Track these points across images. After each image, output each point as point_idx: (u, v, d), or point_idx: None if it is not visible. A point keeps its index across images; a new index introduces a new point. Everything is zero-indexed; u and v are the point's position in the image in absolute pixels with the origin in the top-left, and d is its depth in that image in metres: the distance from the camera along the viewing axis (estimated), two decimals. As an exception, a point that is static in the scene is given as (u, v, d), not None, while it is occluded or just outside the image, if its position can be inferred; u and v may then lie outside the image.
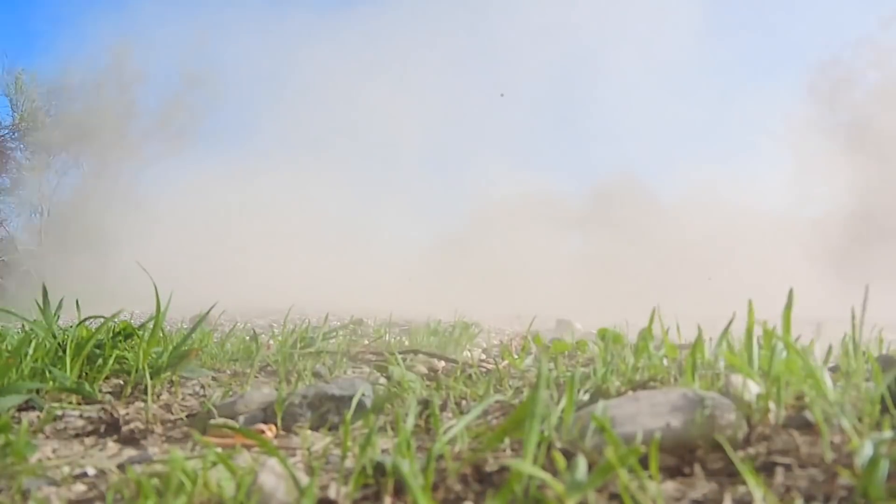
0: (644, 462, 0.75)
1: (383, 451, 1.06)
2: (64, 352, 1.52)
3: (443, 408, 1.37)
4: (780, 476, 0.75)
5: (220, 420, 1.26)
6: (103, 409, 1.28)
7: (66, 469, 0.95)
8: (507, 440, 0.92)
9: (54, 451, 1.09)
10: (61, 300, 1.84)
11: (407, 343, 2.63)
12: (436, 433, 0.87)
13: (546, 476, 0.65)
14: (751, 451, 0.81)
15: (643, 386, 1.21)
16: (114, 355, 1.60)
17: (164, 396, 1.50)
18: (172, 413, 1.34)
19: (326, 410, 1.26)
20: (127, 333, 1.70)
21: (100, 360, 1.59)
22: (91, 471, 0.95)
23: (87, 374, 1.57)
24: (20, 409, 1.35)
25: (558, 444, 0.86)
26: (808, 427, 0.87)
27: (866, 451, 0.72)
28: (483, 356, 2.36)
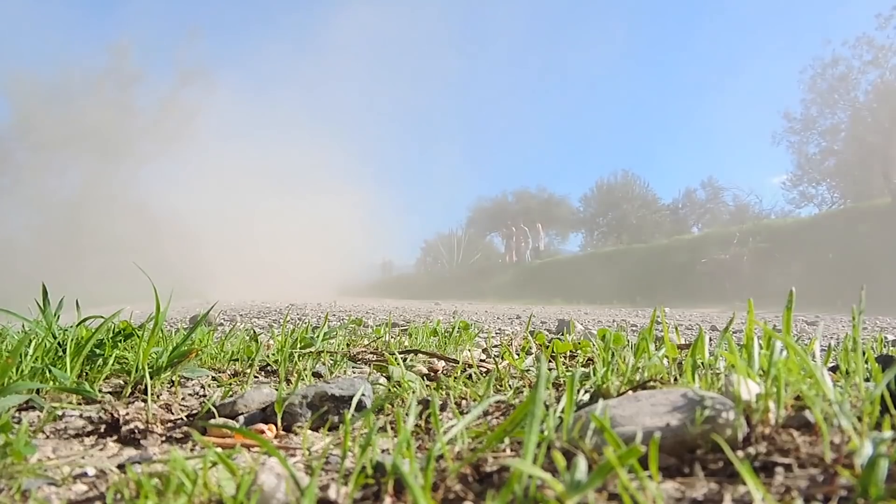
0: (644, 462, 0.75)
1: (383, 451, 1.06)
2: (64, 352, 1.52)
3: (443, 408, 1.37)
4: (779, 476, 0.75)
5: (220, 420, 1.26)
6: (103, 409, 1.28)
7: (66, 469, 0.95)
8: (507, 440, 0.93)
9: (54, 451, 1.09)
10: (61, 300, 1.84)
11: (407, 343, 2.63)
12: (436, 433, 0.87)
13: (546, 476, 0.65)
14: (751, 450, 0.81)
15: (643, 386, 1.21)
16: (114, 355, 1.60)
17: (164, 396, 1.50)
18: (172, 413, 1.34)
19: (326, 410, 1.26)
20: (127, 333, 1.70)
21: (100, 360, 1.59)
22: (91, 471, 0.95)
23: (87, 373, 1.57)
24: (20, 408, 1.35)
25: (558, 444, 0.86)
26: (808, 427, 0.87)
27: (866, 450, 0.72)
28: (483, 356, 2.36)
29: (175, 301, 1.89)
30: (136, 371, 1.53)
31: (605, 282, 22.68)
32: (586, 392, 1.20)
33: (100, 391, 1.50)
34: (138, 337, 1.67)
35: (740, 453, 0.81)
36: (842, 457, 0.76)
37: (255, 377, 1.89)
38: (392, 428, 1.20)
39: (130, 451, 1.09)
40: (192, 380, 1.75)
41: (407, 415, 0.90)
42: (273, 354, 2.07)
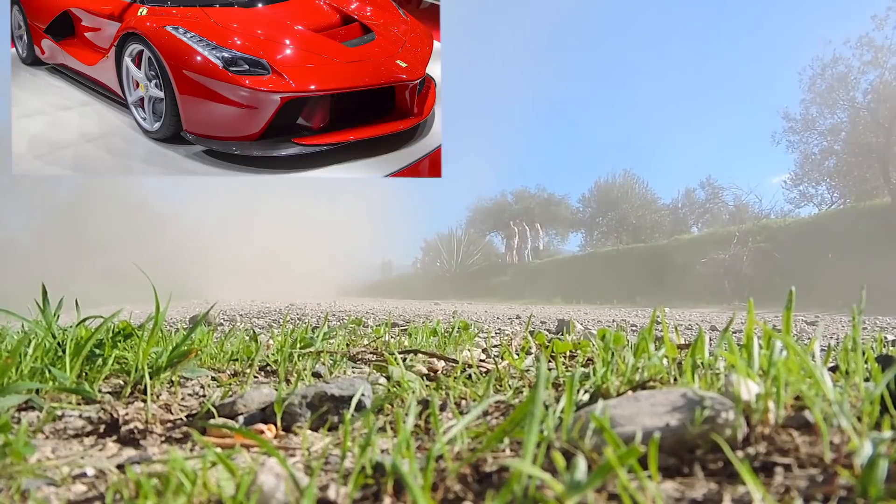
0: (644, 462, 0.75)
1: (383, 451, 1.06)
2: (63, 352, 1.52)
3: (442, 408, 1.37)
4: (779, 476, 0.75)
5: (220, 420, 1.26)
6: (103, 409, 1.28)
7: (66, 469, 0.95)
8: (506, 440, 0.93)
9: (53, 451, 1.09)
10: (61, 300, 1.84)
11: (406, 343, 2.63)
12: (435, 433, 0.87)
13: (545, 476, 0.65)
14: (750, 451, 0.81)
15: (643, 386, 1.21)
16: (113, 355, 1.60)
17: (164, 396, 1.50)
18: (172, 413, 1.34)
19: (326, 410, 1.26)
20: (126, 333, 1.70)
21: (99, 360, 1.59)
22: (90, 471, 0.95)
23: (86, 374, 1.57)
24: (20, 409, 1.35)
25: (558, 444, 0.86)
26: (807, 427, 0.87)
27: (866, 451, 0.72)
28: (483, 356, 2.36)
29: (175, 301, 1.90)
30: (136, 371, 1.53)
31: (604, 282, 22.68)
32: (586, 392, 1.20)
33: (99, 391, 1.50)
34: (138, 337, 1.67)
35: (740, 453, 0.81)
36: (841, 457, 0.76)
37: (255, 377, 1.89)
38: (392, 428, 1.20)
39: (130, 452, 1.09)
40: (191, 380, 1.75)
41: (406, 415, 0.90)
42: (273, 354, 2.07)
